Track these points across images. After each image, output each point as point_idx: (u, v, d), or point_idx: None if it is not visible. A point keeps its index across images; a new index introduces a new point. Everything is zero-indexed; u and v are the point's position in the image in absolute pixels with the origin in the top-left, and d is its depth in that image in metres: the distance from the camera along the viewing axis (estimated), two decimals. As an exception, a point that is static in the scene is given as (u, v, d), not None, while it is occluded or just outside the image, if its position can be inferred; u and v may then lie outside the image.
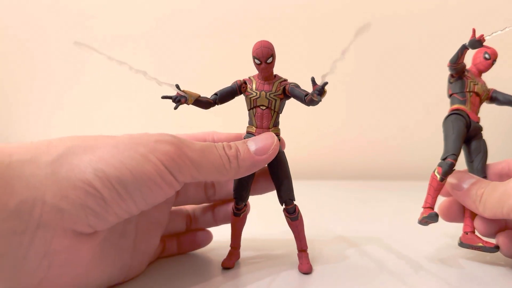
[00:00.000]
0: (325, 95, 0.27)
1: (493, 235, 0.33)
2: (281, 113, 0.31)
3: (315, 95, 0.27)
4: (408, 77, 0.82)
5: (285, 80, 0.31)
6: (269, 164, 0.30)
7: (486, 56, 0.35)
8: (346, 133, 0.84)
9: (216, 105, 0.30)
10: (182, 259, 0.34)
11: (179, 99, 0.28)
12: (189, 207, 0.35)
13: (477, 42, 0.31)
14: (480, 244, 0.32)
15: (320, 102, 0.27)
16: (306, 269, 0.31)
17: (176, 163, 0.24)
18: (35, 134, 0.89)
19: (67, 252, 0.21)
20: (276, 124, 0.30)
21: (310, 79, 0.27)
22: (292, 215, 0.31)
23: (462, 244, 0.33)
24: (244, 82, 0.30)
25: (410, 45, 0.81)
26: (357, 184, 0.77)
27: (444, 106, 0.36)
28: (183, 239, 0.34)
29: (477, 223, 0.33)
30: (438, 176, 0.32)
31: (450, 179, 0.33)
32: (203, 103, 0.29)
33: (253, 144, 0.28)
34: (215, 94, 0.30)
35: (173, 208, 0.34)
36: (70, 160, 0.22)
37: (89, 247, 0.23)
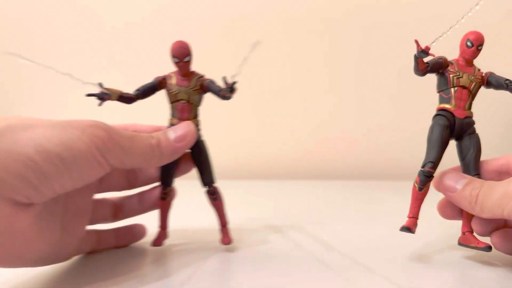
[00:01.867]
0: (235, 92, 0.32)
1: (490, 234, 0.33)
2: (199, 106, 0.35)
3: (227, 92, 0.32)
4: (408, 76, 0.81)
5: (202, 76, 0.34)
6: (192, 153, 0.34)
7: (468, 44, 0.32)
8: (346, 133, 0.84)
9: (139, 100, 0.34)
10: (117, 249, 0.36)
11: (102, 97, 0.31)
12: (114, 197, 0.38)
13: (422, 53, 0.30)
14: (473, 245, 0.31)
15: (230, 98, 0.32)
16: (227, 241, 0.35)
17: (107, 147, 0.26)
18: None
19: (6, 220, 0.23)
20: (195, 116, 0.34)
21: (222, 79, 0.32)
22: (213, 195, 0.35)
23: (460, 244, 0.32)
24: (164, 78, 0.34)
25: (409, 44, 0.80)
26: (357, 184, 0.76)
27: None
28: (119, 232, 0.37)
29: (474, 223, 0.33)
30: (417, 186, 0.32)
31: (445, 181, 0.32)
32: (126, 98, 0.33)
33: (172, 133, 0.31)
34: (138, 90, 0.33)
35: (98, 197, 0.36)
36: (10, 136, 0.24)
37: (26, 218, 0.24)
